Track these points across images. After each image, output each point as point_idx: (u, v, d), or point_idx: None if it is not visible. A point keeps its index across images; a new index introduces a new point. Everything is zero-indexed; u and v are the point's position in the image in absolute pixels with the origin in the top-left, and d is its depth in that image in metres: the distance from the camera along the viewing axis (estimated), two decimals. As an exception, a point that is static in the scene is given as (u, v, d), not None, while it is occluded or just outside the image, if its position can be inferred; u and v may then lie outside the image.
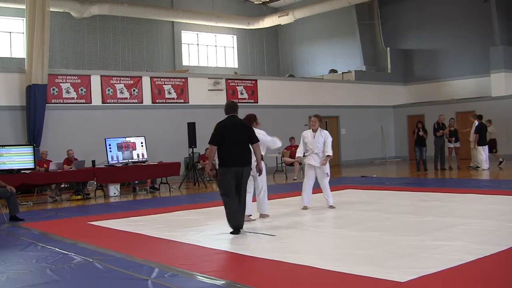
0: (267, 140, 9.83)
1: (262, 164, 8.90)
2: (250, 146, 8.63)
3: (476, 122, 19.37)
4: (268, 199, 10.00)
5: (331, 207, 10.89)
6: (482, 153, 19.03)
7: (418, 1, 28.09)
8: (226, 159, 8.45)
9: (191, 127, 18.65)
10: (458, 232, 7.70)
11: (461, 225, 8.27)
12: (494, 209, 9.82)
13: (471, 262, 5.98)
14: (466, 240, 7.15)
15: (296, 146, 19.41)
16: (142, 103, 20.83)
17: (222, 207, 8.89)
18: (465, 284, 5.29)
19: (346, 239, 7.67)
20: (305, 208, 10.96)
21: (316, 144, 10.94)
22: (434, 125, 20.22)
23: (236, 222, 8.44)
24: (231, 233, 8.40)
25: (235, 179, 8.41)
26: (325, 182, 11.01)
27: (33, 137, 17.93)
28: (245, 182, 8.57)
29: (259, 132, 9.33)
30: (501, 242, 6.91)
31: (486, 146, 19.13)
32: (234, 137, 8.49)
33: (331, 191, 11.10)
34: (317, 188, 11.04)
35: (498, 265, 6.02)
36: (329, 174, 11.10)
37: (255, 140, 8.64)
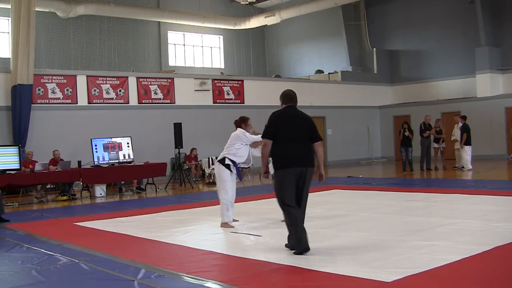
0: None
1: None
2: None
3: (461, 123, 19.46)
4: (256, 199, 9.93)
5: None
6: (468, 153, 19.12)
7: (404, 2, 28.22)
8: (284, 158, 6.88)
9: (178, 127, 18.63)
10: (444, 232, 7.74)
11: (447, 225, 8.31)
12: (480, 209, 9.87)
13: (457, 262, 6.01)
14: (452, 240, 7.19)
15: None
16: (128, 103, 20.77)
17: (209, 208, 8.88)
18: (451, 284, 5.31)
19: (332, 239, 7.68)
20: None
21: None
22: (421, 125, 20.31)
23: (305, 244, 6.74)
24: (295, 253, 6.78)
25: (296, 184, 6.85)
26: None
27: (18, 137, 17.82)
28: (307, 188, 6.97)
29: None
30: (486, 242, 6.95)
31: (471, 146, 19.21)
32: (294, 131, 6.98)
33: (317, 191, 11.02)
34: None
35: (483, 264, 6.05)
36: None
37: (318, 137, 7.12)
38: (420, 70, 27.81)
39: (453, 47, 26.30)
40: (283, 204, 6.89)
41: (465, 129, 19.17)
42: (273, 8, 30.22)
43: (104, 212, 12.26)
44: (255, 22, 30.27)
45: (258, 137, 9.13)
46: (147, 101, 21.20)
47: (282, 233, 8.32)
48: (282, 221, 9.20)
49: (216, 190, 9.21)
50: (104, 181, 16.26)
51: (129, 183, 17.74)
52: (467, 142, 19.10)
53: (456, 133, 19.83)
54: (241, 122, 9.35)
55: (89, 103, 19.91)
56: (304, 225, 8.76)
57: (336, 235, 7.99)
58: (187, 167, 19.61)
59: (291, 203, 6.82)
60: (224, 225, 9.10)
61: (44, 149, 17.39)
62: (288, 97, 7.39)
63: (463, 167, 19.37)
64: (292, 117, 7.11)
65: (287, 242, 7.02)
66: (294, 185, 6.82)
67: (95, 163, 16.34)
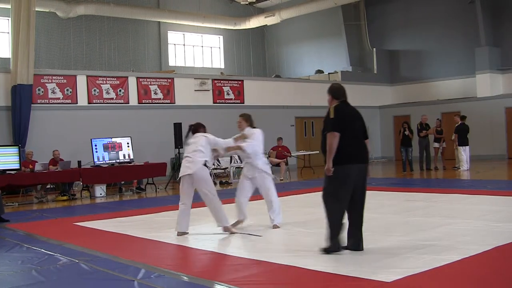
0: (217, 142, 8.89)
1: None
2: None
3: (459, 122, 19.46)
4: (255, 199, 9.82)
5: (275, 226, 8.90)
6: (463, 153, 19.03)
7: (404, 2, 28.21)
8: (348, 155, 6.64)
9: (177, 127, 18.64)
10: (443, 232, 7.74)
11: (446, 225, 8.31)
12: (480, 209, 9.88)
13: (457, 262, 6.01)
14: (452, 240, 7.18)
15: (283, 147, 19.55)
16: (128, 103, 20.77)
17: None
18: (451, 284, 5.31)
19: (333, 239, 7.68)
20: (240, 222, 9.10)
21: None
22: (418, 125, 20.34)
23: (339, 242, 6.71)
24: (325, 251, 6.70)
25: (355, 181, 6.72)
26: (270, 195, 9.01)
27: (18, 137, 17.82)
28: (366, 184, 6.93)
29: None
30: (486, 242, 6.95)
31: (467, 147, 19.13)
32: (355, 128, 6.83)
33: (317, 191, 10.87)
34: (302, 189, 11.00)
35: (483, 265, 6.05)
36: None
37: (367, 135, 7.07)
38: (420, 70, 27.80)
39: (453, 47, 26.29)
40: (332, 197, 6.70)
41: (457, 130, 19.10)
42: (273, 8, 30.20)
43: (104, 212, 12.26)
44: (255, 22, 30.25)
45: (227, 141, 8.99)
46: (147, 101, 21.19)
47: (282, 233, 8.33)
48: (273, 227, 8.92)
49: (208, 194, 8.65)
50: (104, 181, 16.25)
51: (129, 183, 17.74)
52: (462, 143, 19.02)
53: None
54: (201, 127, 9.04)
55: (89, 103, 19.90)
56: (304, 225, 8.75)
57: (336, 235, 7.98)
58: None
59: (343, 200, 6.68)
60: (227, 228, 8.62)
61: (44, 149, 17.38)
62: (341, 91, 7.03)
63: (457, 167, 19.33)
64: (352, 114, 6.91)
65: (344, 244, 6.77)
66: (352, 182, 6.68)
67: (95, 163, 16.33)
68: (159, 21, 28.51)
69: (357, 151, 6.77)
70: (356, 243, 6.79)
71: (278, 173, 19.61)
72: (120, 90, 20.54)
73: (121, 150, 16.99)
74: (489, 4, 24.91)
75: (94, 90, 19.99)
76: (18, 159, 15.00)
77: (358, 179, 6.72)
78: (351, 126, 6.74)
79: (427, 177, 17.97)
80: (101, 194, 16.06)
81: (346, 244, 6.76)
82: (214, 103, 22.83)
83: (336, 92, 7.00)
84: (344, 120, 6.69)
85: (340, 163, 6.60)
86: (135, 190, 16.96)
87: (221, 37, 31.78)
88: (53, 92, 19.14)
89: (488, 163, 21.02)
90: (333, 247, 6.65)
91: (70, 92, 19.47)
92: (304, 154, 22.81)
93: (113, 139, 17.00)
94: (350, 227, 6.83)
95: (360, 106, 26.95)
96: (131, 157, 17.13)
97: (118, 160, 16.80)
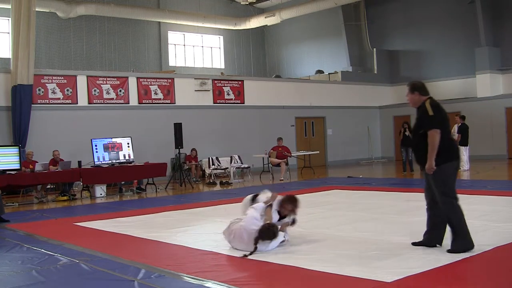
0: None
1: None
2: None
3: (460, 123, 19.43)
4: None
5: None
6: (464, 154, 19.03)
7: (404, 2, 28.20)
8: (452, 151, 6.63)
9: (178, 127, 18.62)
10: (443, 232, 7.73)
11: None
12: (479, 210, 9.85)
13: (457, 262, 6.02)
14: (452, 240, 7.18)
15: (283, 147, 19.54)
16: (129, 103, 20.77)
17: (209, 208, 8.81)
18: (451, 284, 5.31)
19: (333, 240, 7.67)
20: None
21: None
22: (417, 126, 20.29)
23: (471, 238, 6.55)
24: (460, 251, 6.44)
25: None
26: None
27: (18, 137, 17.82)
28: None
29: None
30: (486, 242, 6.95)
31: (467, 147, 19.12)
32: (448, 123, 6.79)
33: (317, 191, 10.92)
34: (302, 189, 10.97)
35: (484, 265, 6.05)
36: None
37: None
38: (420, 70, 27.76)
39: (453, 47, 26.29)
40: (449, 196, 6.75)
41: (460, 130, 19.10)
42: (273, 8, 30.19)
43: (104, 212, 12.26)
44: (255, 22, 30.25)
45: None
46: (147, 101, 21.19)
47: (282, 233, 8.30)
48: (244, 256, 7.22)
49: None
50: (104, 181, 16.25)
51: (129, 183, 17.74)
52: (464, 143, 19.01)
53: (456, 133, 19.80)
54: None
55: (89, 103, 19.91)
56: (305, 225, 8.76)
57: (336, 235, 7.98)
58: (187, 167, 19.61)
59: (457, 196, 6.77)
60: None
61: (44, 149, 17.38)
62: (426, 87, 6.99)
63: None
64: (444, 109, 6.82)
65: (453, 247, 6.54)
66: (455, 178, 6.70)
67: (95, 163, 16.34)
68: (159, 21, 28.50)
69: (456, 148, 6.84)
70: (439, 237, 6.89)
71: (278, 173, 19.62)
72: (120, 90, 20.55)
73: (121, 150, 16.99)
74: (489, 4, 24.91)
75: (94, 90, 19.99)
76: (18, 159, 15.00)
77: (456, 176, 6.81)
78: (447, 123, 6.72)
79: (427, 177, 17.91)
80: (101, 194, 16.06)
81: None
82: (214, 103, 22.81)
83: (423, 88, 6.92)
84: (443, 118, 6.64)
85: (449, 160, 6.59)
86: (135, 190, 16.96)
87: (221, 37, 31.78)
88: (53, 92, 19.14)
89: (488, 163, 20.99)
90: (468, 245, 6.51)
91: (70, 92, 19.48)
92: (304, 154, 22.79)
93: (113, 139, 17.01)
94: (438, 223, 6.97)
95: (360, 106, 27.16)
96: (131, 157, 17.13)
97: (118, 160, 16.81)
